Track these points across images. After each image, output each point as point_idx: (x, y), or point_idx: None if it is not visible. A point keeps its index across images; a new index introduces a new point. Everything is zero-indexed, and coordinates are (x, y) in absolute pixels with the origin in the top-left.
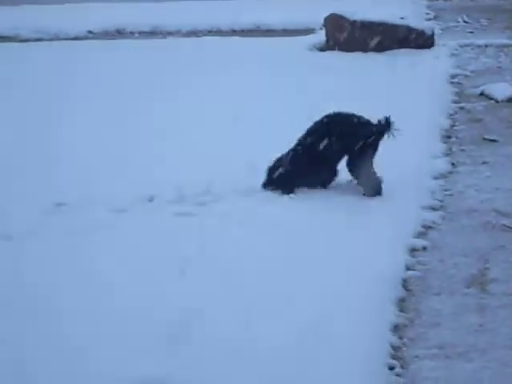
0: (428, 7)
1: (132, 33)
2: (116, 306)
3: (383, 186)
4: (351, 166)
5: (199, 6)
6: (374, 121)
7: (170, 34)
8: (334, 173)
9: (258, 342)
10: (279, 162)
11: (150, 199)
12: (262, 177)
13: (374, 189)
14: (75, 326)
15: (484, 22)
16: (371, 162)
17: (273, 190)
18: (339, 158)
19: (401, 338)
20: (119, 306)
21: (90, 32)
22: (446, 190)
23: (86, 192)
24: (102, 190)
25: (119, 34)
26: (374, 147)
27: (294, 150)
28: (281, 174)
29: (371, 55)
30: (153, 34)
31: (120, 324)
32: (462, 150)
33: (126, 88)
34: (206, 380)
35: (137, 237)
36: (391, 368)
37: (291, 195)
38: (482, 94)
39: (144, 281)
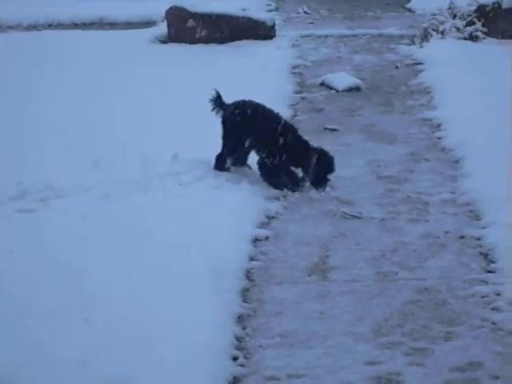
0: None
1: None
2: None
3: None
4: None
5: None
6: None
7: (11, 28)
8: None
9: (100, 342)
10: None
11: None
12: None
13: None
14: None
15: (324, 12)
16: None
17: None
18: None
19: (244, 328)
20: None
21: None
22: None
23: None
24: None
25: None
26: None
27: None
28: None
29: (213, 47)
30: None
31: None
32: None
33: None
34: None
35: None
36: (235, 359)
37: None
38: (322, 83)
39: None
